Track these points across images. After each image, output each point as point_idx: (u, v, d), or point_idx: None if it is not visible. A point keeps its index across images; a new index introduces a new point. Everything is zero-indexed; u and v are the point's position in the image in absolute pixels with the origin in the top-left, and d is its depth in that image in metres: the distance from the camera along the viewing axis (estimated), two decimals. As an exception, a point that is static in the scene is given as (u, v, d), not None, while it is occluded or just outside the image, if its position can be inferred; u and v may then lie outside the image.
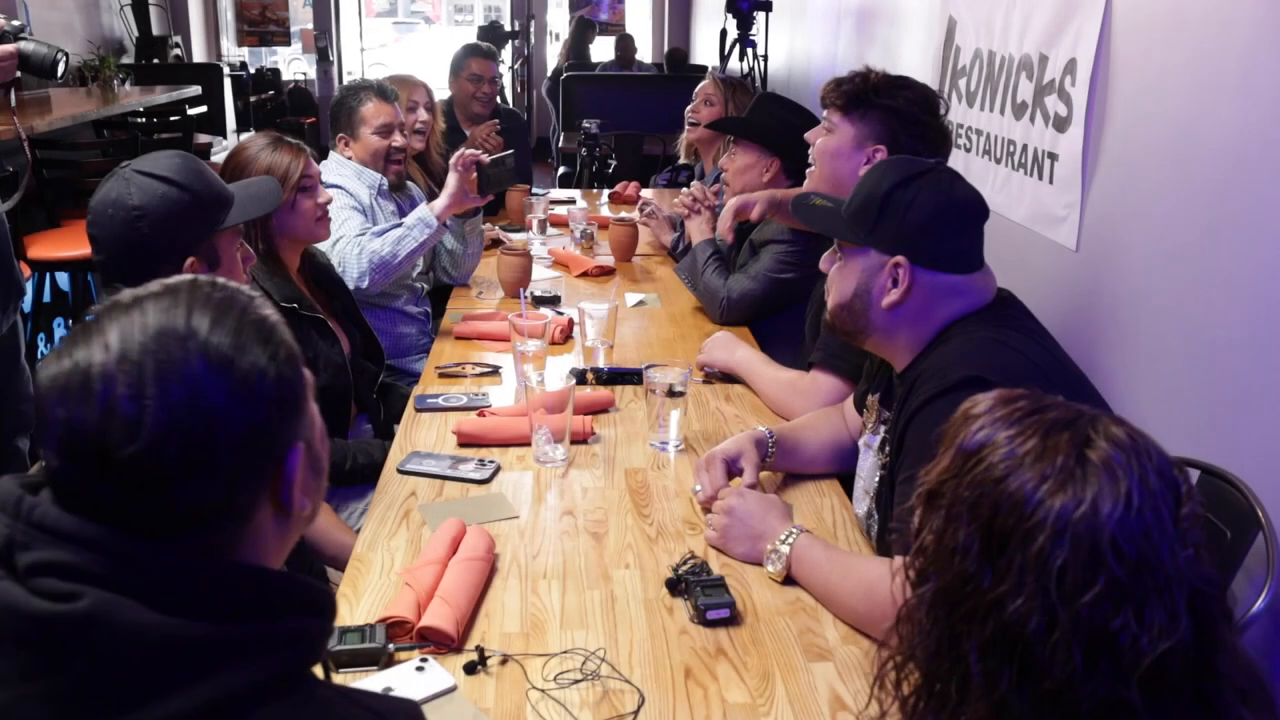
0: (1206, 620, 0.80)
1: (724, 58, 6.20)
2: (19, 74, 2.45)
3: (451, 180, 2.66)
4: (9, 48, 2.41)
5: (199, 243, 1.61)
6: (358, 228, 2.66)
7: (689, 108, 3.80)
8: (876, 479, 1.58)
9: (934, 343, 1.48)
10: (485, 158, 2.69)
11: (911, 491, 1.37)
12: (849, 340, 1.59)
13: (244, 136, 7.39)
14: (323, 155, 2.76)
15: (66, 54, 2.55)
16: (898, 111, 1.96)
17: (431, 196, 2.88)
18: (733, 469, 1.73)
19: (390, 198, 2.95)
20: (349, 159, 2.87)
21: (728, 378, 2.33)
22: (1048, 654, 0.79)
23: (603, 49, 10.54)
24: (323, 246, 2.59)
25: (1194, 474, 1.68)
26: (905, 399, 1.47)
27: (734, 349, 2.32)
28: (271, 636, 0.75)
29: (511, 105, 7.36)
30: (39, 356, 4.06)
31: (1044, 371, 1.41)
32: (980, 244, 1.50)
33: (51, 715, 0.70)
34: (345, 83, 3.17)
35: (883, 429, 1.60)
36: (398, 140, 2.88)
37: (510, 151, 2.86)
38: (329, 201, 2.28)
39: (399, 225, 2.64)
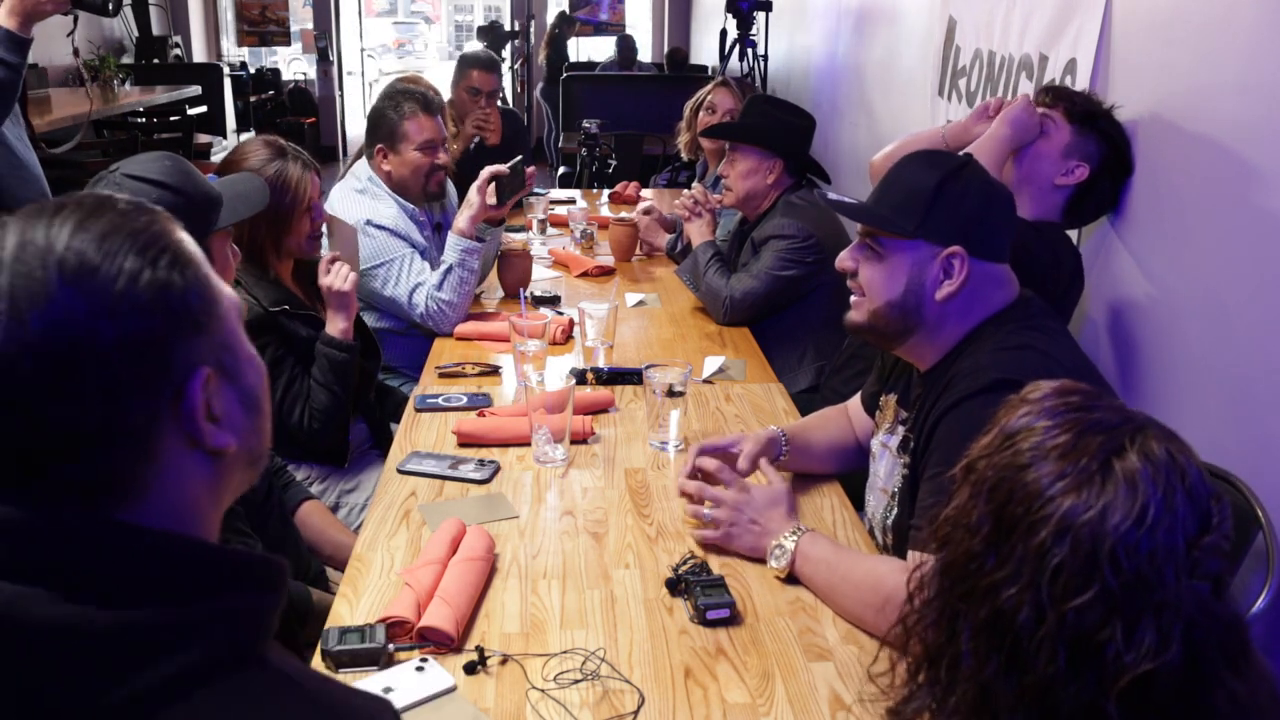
0: (1202, 656, 0.79)
1: (724, 58, 6.21)
2: (75, 12, 2.42)
3: (474, 199, 2.60)
4: None
5: None
6: (426, 274, 2.60)
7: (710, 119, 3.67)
8: (899, 478, 1.57)
9: (963, 343, 1.48)
10: (505, 170, 2.63)
11: (938, 488, 1.38)
12: (886, 343, 1.57)
13: (244, 137, 7.38)
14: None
15: None
16: (1114, 146, 1.97)
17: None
18: (729, 450, 1.73)
19: (428, 217, 2.87)
20: (387, 173, 2.72)
21: (727, 379, 2.33)
22: (1033, 648, 0.80)
23: (602, 48, 10.53)
24: (390, 295, 2.58)
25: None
26: (934, 400, 1.46)
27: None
28: (196, 622, 0.67)
29: (511, 105, 7.36)
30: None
31: (1072, 374, 1.41)
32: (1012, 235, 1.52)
33: None
34: (385, 88, 2.88)
35: (901, 429, 1.59)
36: (441, 158, 2.76)
37: (519, 157, 2.79)
38: (325, 221, 2.25)
39: (448, 269, 2.57)
